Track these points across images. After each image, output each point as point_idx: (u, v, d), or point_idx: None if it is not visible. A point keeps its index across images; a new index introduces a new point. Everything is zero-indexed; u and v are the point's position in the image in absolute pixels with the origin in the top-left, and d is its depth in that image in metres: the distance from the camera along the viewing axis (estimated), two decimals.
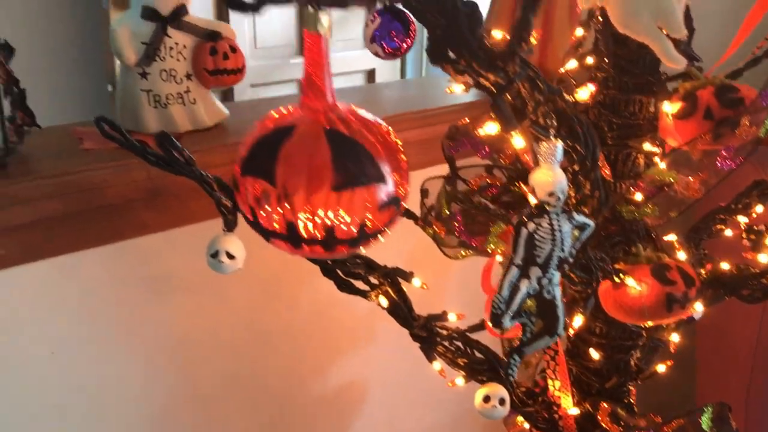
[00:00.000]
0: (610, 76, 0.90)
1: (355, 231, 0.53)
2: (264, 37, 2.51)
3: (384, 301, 0.84)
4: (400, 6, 0.90)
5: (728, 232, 1.05)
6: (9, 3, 2.16)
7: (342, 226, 0.52)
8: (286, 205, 0.51)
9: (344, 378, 1.30)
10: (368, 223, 0.53)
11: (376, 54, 0.93)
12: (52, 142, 0.95)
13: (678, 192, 0.91)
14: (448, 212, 0.88)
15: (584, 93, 0.72)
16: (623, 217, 0.92)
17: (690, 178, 0.89)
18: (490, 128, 0.68)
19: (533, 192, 0.60)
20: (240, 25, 2.43)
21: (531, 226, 0.60)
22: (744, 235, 1.07)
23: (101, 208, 0.89)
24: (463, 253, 0.90)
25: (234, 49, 1.02)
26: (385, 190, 0.53)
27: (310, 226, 0.51)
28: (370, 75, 2.88)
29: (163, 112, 1.00)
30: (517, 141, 0.60)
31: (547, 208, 0.60)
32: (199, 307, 1.06)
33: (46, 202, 0.84)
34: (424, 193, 0.96)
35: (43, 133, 0.94)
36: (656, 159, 0.91)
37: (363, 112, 0.58)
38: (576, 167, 0.63)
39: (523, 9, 0.49)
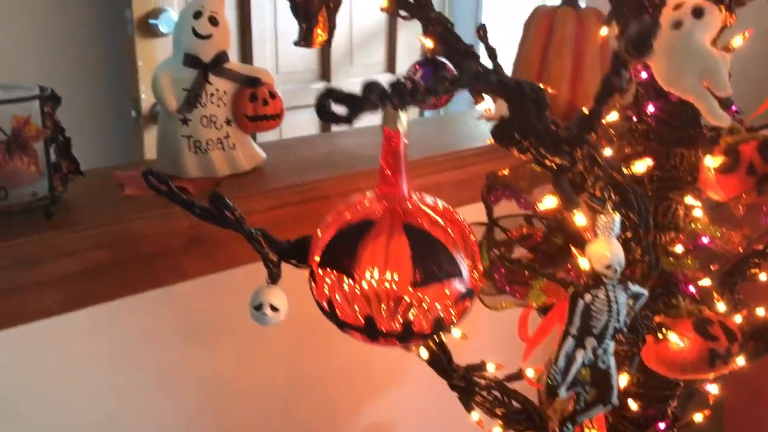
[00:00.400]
0: (650, 128, 0.90)
1: (431, 324, 0.53)
2: (286, 62, 2.52)
3: (424, 353, 0.85)
4: (441, 58, 0.91)
5: (763, 276, 1.05)
6: (34, 27, 2.19)
7: (419, 320, 0.52)
8: (366, 299, 0.52)
9: (376, 420, 1.30)
10: (444, 317, 0.53)
11: (416, 104, 0.94)
12: (95, 189, 0.96)
13: (719, 245, 0.91)
14: (488, 263, 0.88)
15: (641, 166, 0.72)
16: (663, 269, 0.92)
17: (732, 232, 0.89)
18: (549, 202, 0.68)
19: (590, 264, 0.60)
20: (262, 51, 2.44)
21: (588, 297, 0.61)
22: None
23: (144, 256, 0.90)
24: (504, 304, 0.90)
25: (273, 95, 1.03)
26: (461, 283, 0.54)
27: (388, 320, 0.52)
28: None
29: (203, 158, 1.00)
30: (579, 219, 0.60)
31: (604, 279, 0.60)
32: (236, 350, 1.06)
33: (92, 253, 0.85)
34: None
35: (85, 178, 0.95)
36: (697, 212, 0.91)
37: (430, 199, 0.59)
38: (629, 234, 0.63)
39: (596, 100, 0.49)
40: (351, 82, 2.73)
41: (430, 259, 0.51)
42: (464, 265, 0.54)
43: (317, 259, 0.58)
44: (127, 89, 2.22)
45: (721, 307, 0.94)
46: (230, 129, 1.02)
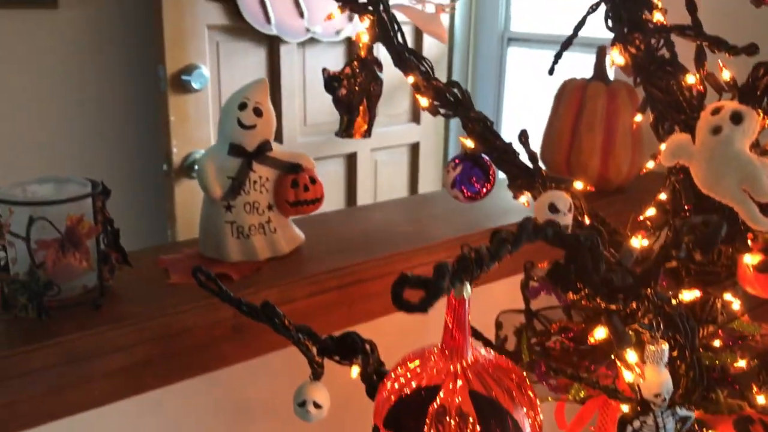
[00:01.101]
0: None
1: None
2: (313, 114, 2.56)
3: None
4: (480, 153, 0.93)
5: None
6: (71, 83, 2.25)
7: None
8: None
9: None
10: None
11: (456, 198, 0.96)
12: (141, 276, 0.98)
13: (759, 342, 0.91)
14: (528, 358, 0.89)
15: (689, 296, 0.73)
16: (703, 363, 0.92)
17: None
18: (599, 334, 0.69)
19: (639, 391, 0.61)
20: (291, 104, 2.49)
21: (636, 423, 0.62)
22: None
23: (190, 347, 0.92)
24: (542, 398, 0.91)
25: (314, 180, 1.05)
26: None
27: None
28: (414, 148, 2.92)
29: (246, 242, 1.03)
30: (631, 356, 0.61)
31: (653, 407, 0.61)
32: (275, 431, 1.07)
33: (140, 347, 0.87)
34: (498, 325, 0.97)
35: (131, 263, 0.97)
36: (735, 307, 0.91)
37: (485, 353, 0.60)
38: (675, 353, 0.64)
39: (654, 261, 0.51)
40: (376, 133, 2.77)
41: (498, 429, 0.52)
42: (527, 425, 0.55)
43: (381, 420, 0.60)
44: (159, 143, 2.27)
45: (761, 399, 0.94)
46: (272, 214, 1.04)
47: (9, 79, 2.13)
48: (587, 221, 0.91)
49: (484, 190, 0.94)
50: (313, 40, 2.48)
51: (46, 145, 2.24)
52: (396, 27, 0.95)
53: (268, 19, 2.32)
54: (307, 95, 2.55)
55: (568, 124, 1.40)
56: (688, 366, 0.66)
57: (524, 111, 2.85)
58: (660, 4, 0.87)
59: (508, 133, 0.91)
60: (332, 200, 2.77)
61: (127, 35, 2.33)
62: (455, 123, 3.05)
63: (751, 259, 0.88)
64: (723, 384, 0.93)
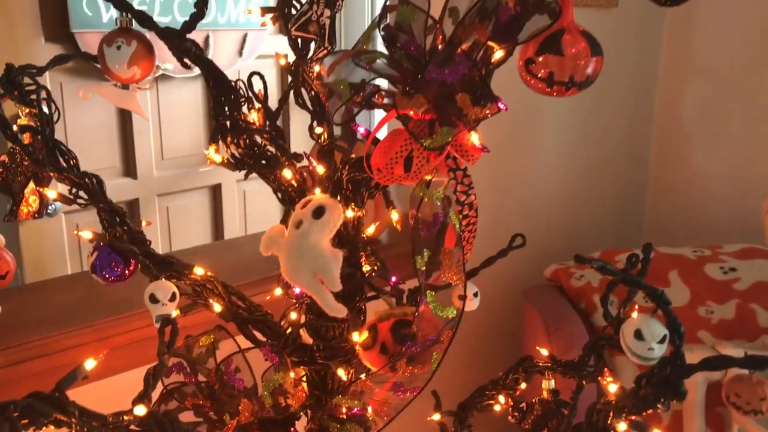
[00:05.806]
0: (310, 305, 0.97)
1: None
2: (171, 148, 2.60)
3: None
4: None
5: (497, 408, 1.12)
6: None
7: None
8: None
9: None
10: None
11: (99, 282, 1.00)
12: None
13: (370, 416, 0.97)
14: None
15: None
16: None
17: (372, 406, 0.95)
18: None
19: None
20: (144, 137, 2.51)
21: None
22: (510, 411, 1.13)
23: None
24: None
25: None
26: None
27: None
28: (217, 190, 2.85)
29: None
30: None
31: None
32: None
33: None
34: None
35: None
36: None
37: None
38: None
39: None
40: None
41: None
42: None
43: None
44: None
45: None
46: None
47: None
48: (217, 306, 0.96)
49: (127, 272, 0.99)
50: (167, 76, 2.51)
51: None
52: (46, 120, 1.00)
53: None
54: (164, 130, 2.58)
55: None
56: None
57: None
58: (258, 106, 0.92)
59: None
60: (199, 233, 2.80)
61: None
62: None
63: (357, 338, 0.93)
64: None
